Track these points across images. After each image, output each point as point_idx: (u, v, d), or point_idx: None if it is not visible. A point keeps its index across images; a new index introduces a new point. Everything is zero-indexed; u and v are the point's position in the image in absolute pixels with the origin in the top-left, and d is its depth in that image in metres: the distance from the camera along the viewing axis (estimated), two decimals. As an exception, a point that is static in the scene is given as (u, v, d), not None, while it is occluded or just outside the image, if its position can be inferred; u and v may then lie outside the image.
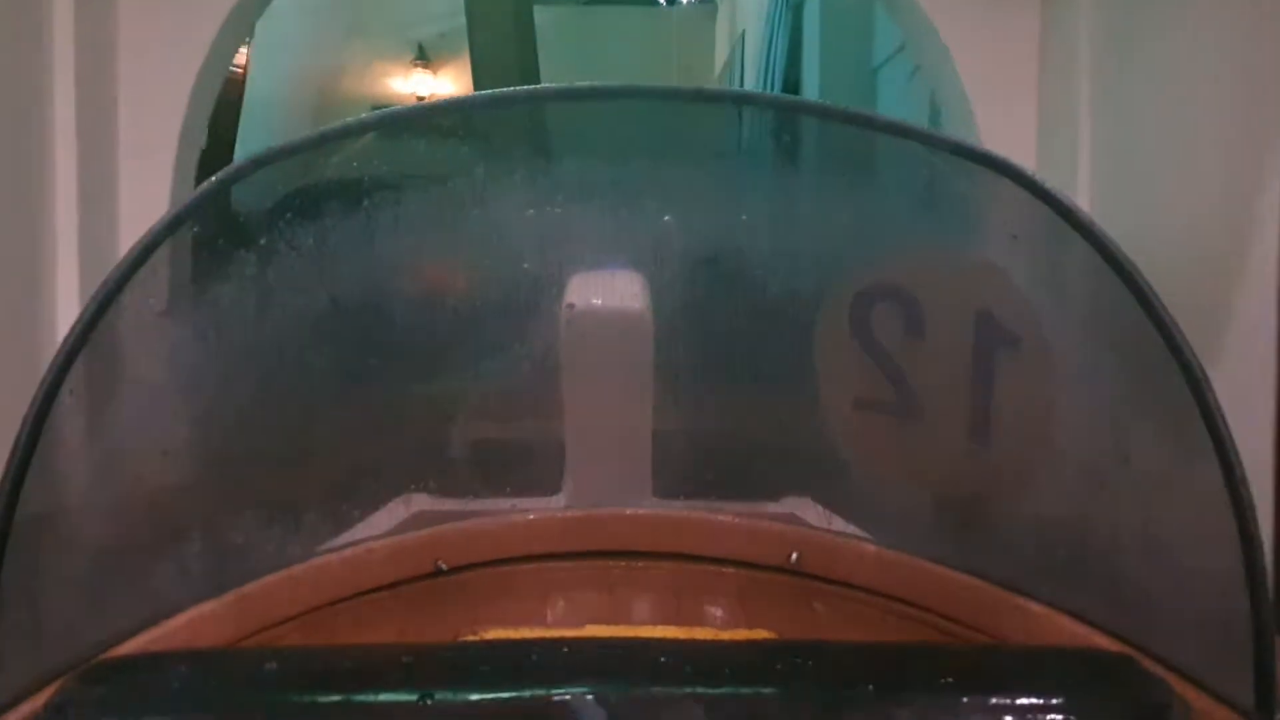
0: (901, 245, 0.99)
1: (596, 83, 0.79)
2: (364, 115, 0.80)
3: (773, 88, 6.85)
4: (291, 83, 9.97)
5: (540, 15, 8.90)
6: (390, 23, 10.37)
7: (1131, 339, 0.79)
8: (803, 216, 1.08)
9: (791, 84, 6.68)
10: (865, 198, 1.03)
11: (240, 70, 8.69)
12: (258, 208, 0.88)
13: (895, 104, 5.52)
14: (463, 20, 8.16)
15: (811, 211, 1.07)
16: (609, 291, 1.01)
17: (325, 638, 0.78)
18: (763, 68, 7.24)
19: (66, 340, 0.73)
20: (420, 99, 10.48)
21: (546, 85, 0.92)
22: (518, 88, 0.88)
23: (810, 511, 0.94)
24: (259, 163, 0.79)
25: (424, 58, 10.44)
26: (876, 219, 1.04)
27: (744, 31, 8.86)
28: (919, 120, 4.77)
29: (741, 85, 8.88)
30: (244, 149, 8.73)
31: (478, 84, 8.32)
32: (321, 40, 10.15)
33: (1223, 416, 0.72)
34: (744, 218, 1.07)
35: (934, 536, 0.90)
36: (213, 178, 0.76)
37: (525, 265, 1.08)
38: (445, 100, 0.81)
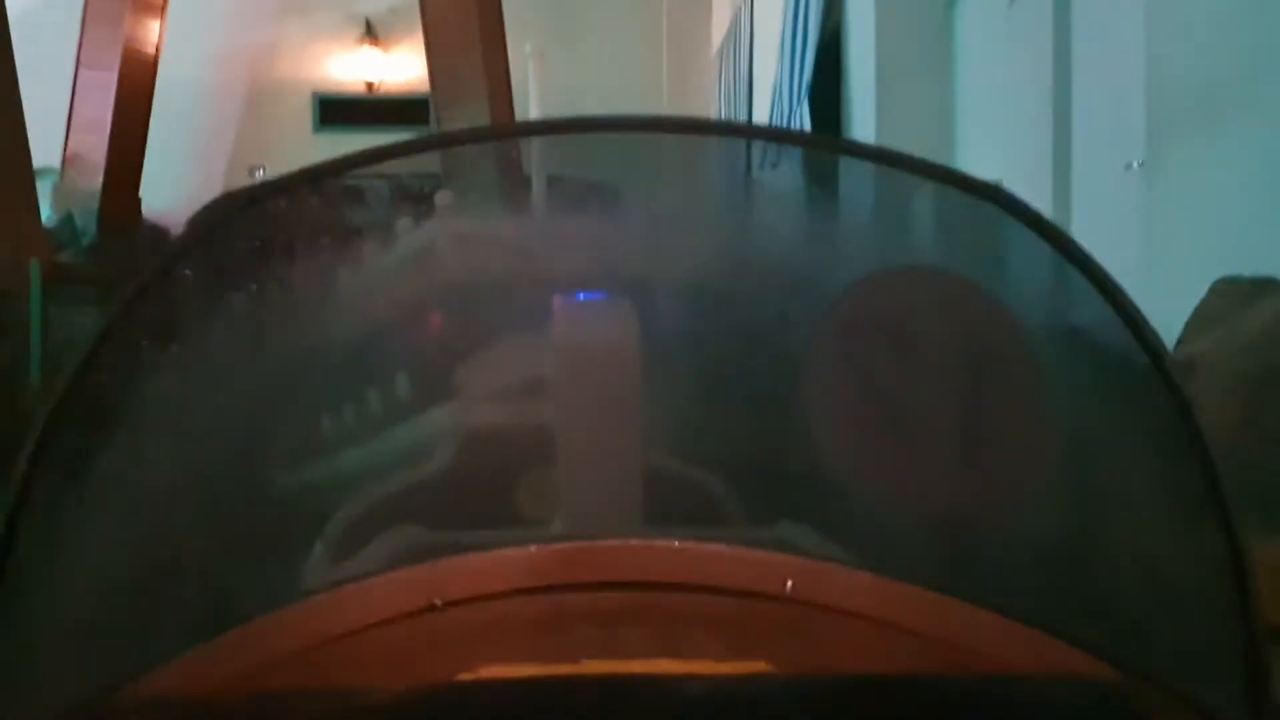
0: (893, 270, 1.14)
1: (575, 116, 0.93)
2: (322, 162, 0.91)
3: (805, 42, 6.56)
4: (216, 64, 10.10)
5: (508, -19, 9.09)
6: (333, -4, 10.55)
7: (1122, 365, 0.95)
8: (792, 241, 1.23)
9: (830, 33, 6.39)
10: (855, 222, 1.18)
11: (152, 50, 8.82)
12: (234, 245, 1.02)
13: (983, 44, 5.27)
14: (417, -7, 8.33)
15: (801, 236, 1.23)
16: (596, 321, 1.15)
17: (320, 678, 0.91)
18: (790, 21, 6.92)
19: (58, 388, 0.88)
20: (370, 85, 10.66)
21: (521, 121, 1.07)
22: (484, 125, 1.01)
23: (805, 538, 1.07)
24: (243, 203, 0.93)
25: (372, 35, 10.61)
26: (868, 243, 1.19)
27: None
28: (1040, 62, 4.45)
29: (751, 53, 8.97)
30: (159, 137, 8.85)
31: (432, 63, 8.48)
32: (251, 16, 10.29)
33: (1210, 440, 0.87)
34: (732, 242, 1.22)
35: (930, 563, 1.04)
36: (196, 231, 0.90)
37: (509, 296, 1.23)
38: (400, 143, 0.92)
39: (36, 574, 0.87)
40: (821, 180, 1.08)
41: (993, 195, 0.90)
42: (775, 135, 1.38)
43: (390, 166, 0.92)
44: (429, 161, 1.16)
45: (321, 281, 1.18)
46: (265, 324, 1.11)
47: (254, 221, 0.98)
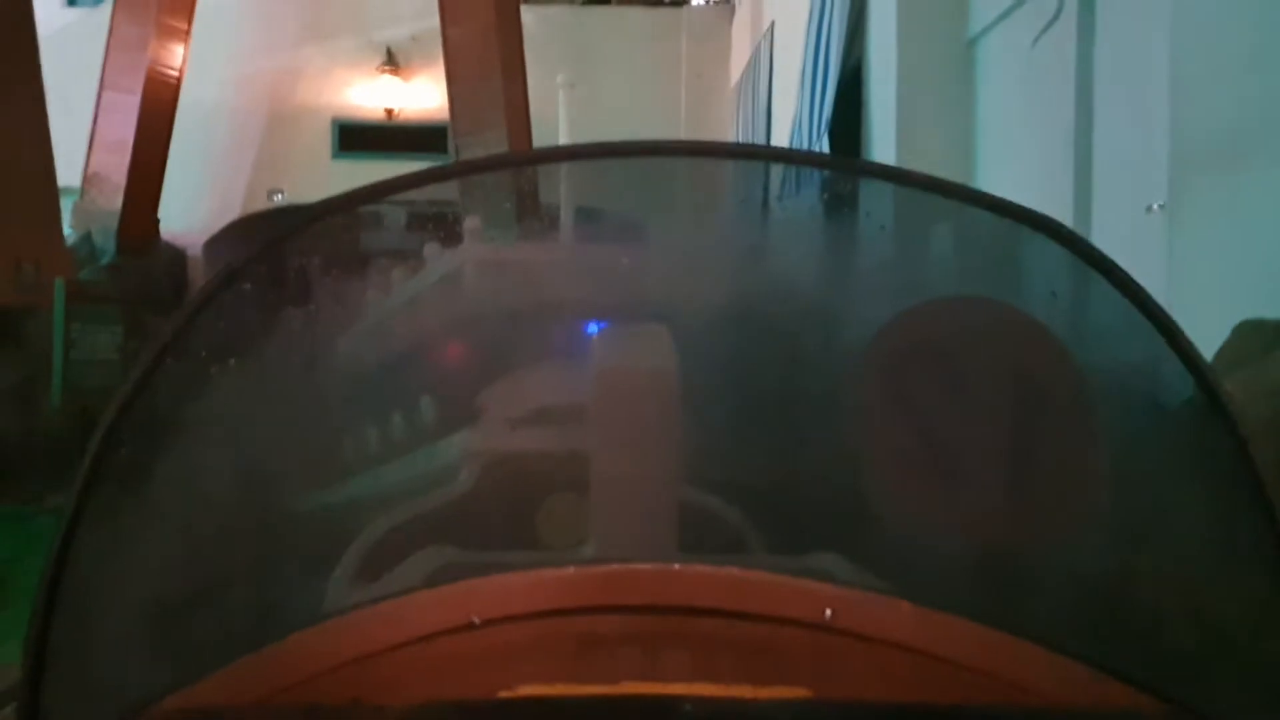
0: (936, 299, 1.15)
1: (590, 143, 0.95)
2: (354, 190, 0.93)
3: (826, 77, 6.59)
4: (238, 89, 10.22)
5: (529, 15, 9.19)
6: (354, 24, 10.61)
7: (1173, 396, 0.95)
8: (833, 269, 1.24)
9: (851, 70, 6.37)
10: (899, 250, 1.19)
11: (175, 73, 8.94)
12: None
13: (1004, 83, 5.22)
14: (436, 22, 8.40)
15: (842, 264, 1.24)
16: (634, 347, 1.16)
17: (362, 692, 0.92)
18: (811, 56, 6.98)
19: (116, 401, 0.89)
20: (389, 112, 10.75)
21: (547, 148, 1.08)
22: (492, 155, 1.01)
23: (840, 567, 1.07)
24: (304, 220, 0.95)
25: (393, 62, 10.71)
26: (910, 272, 1.20)
27: (773, 23, 9.01)
28: (1062, 102, 4.34)
29: (770, 87, 9.03)
30: (179, 159, 8.93)
31: (452, 92, 8.57)
32: (273, 43, 10.41)
33: (1262, 470, 0.87)
34: (771, 270, 1.24)
35: (970, 593, 1.04)
36: (248, 255, 0.92)
37: (548, 322, 1.24)
38: (460, 163, 0.93)
39: (88, 587, 0.88)
40: (855, 208, 1.09)
41: (1050, 229, 0.91)
42: (838, 164, 1.39)
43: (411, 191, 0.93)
44: (446, 188, 1.18)
45: (366, 305, 1.20)
46: (312, 345, 1.13)
47: (309, 241, 1.00)
